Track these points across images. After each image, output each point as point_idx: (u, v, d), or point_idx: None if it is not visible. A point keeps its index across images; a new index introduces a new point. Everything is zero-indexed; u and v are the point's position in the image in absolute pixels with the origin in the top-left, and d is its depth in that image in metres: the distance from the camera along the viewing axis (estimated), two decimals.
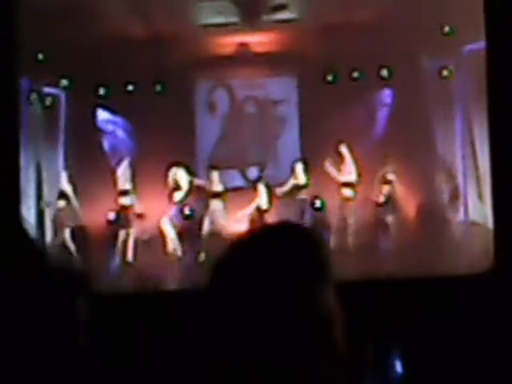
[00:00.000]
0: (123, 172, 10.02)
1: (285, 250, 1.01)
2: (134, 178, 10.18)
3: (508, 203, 3.97)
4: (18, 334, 1.28)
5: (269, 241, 1.03)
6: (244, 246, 1.04)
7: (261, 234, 1.06)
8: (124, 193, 9.99)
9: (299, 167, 10.30)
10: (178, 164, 10.22)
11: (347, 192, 10.12)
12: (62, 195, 9.89)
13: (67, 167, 11.20)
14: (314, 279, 1.00)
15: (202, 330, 1.01)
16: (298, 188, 10.26)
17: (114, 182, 10.03)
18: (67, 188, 9.94)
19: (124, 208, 10.00)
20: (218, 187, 10.30)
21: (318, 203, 10.51)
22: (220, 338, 1.00)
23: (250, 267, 1.00)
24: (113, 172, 11.26)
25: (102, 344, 1.76)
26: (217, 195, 10.23)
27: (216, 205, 10.09)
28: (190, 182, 10.29)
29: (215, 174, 10.37)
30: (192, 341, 1.03)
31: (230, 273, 1.02)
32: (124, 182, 10.01)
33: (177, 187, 10.21)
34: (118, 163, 11.53)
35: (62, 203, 9.88)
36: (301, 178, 10.26)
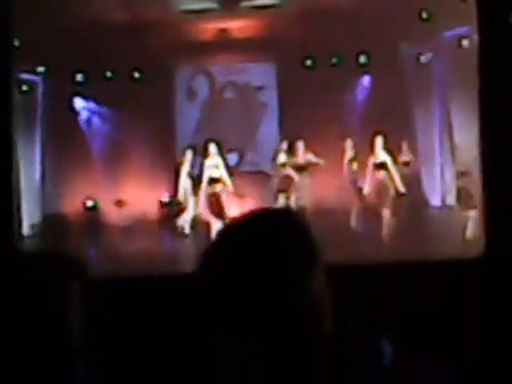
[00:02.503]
0: None
1: (274, 235, 1.04)
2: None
3: (500, 191, 4.08)
4: (13, 322, 1.29)
5: (258, 226, 1.06)
6: (234, 232, 1.07)
7: (250, 221, 1.08)
8: None
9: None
10: None
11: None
12: None
13: (44, 154, 11.09)
14: (303, 263, 1.03)
15: (194, 315, 1.04)
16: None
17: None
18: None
19: None
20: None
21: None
22: (212, 322, 1.02)
23: (240, 253, 1.02)
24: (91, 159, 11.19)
25: (96, 330, 1.79)
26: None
27: None
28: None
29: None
30: (184, 326, 1.06)
31: (220, 259, 1.04)
32: None
33: None
34: (97, 151, 11.47)
35: None
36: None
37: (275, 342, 1.00)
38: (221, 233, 1.08)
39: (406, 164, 10.57)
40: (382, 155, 9.01)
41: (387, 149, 9.11)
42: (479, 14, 4.18)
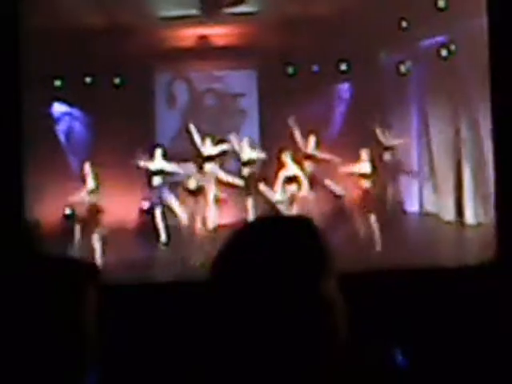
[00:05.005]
0: (88, 171, 9.77)
1: (286, 241, 1.04)
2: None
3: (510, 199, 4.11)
4: (29, 325, 1.28)
5: (270, 232, 1.06)
6: (245, 238, 1.07)
7: (261, 227, 1.08)
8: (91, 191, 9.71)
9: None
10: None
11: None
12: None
13: (22, 162, 10.91)
14: (316, 268, 1.03)
15: (205, 321, 1.04)
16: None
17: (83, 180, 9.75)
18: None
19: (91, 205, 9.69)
20: None
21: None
22: (223, 328, 1.02)
23: (253, 259, 1.03)
24: (69, 166, 11.07)
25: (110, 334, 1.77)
26: None
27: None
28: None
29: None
30: (194, 332, 1.06)
31: (232, 265, 1.04)
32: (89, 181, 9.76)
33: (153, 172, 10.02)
34: (76, 157, 11.36)
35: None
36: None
37: (287, 347, 1.00)
38: (233, 239, 1.08)
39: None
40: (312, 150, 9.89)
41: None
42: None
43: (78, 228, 10.90)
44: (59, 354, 1.28)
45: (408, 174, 11.36)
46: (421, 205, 11.32)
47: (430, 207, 10.99)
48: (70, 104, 11.24)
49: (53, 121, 11.34)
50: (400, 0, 8.94)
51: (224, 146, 10.18)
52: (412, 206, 11.35)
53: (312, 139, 10.06)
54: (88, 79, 10.57)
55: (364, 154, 9.55)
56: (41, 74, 10.12)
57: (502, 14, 4.28)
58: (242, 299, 1.01)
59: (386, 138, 10.54)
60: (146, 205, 11.05)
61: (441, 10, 8.87)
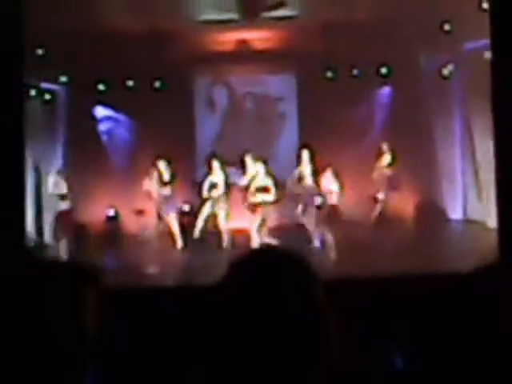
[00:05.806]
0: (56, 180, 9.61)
1: (284, 261, 1.18)
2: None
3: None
4: (28, 330, 1.30)
5: (269, 255, 1.21)
6: (250, 259, 1.20)
7: (261, 252, 1.24)
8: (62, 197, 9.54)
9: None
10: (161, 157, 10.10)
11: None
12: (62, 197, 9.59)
13: (66, 165, 11.16)
14: (310, 282, 1.15)
15: (210, 328, 1.10)
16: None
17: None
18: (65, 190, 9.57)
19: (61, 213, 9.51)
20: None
21: (318, 200, 10.49)
22: (229, 332, 1.08)
23: (258, 273, 1.15)
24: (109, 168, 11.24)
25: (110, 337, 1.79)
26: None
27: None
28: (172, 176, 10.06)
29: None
30: (198, 337, 1.09)
31: (241, 277, 1.15)
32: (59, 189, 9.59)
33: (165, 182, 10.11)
34: (118, 159, 11.58)
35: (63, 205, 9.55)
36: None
37: (284, 353, 1.06)
38: (235, 266, 1.20)
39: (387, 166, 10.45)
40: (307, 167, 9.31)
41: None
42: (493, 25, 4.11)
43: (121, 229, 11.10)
44: (59, 354, 1.30)
45: (451, 181, 11.13)
46: (464, 212, 11.07)
47: (474, 214, 10.72)
48: (113, 107, 11.46)
49: (96, 123, 11.59)
50: (443, 2, 8.76)
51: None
52: (455, 214, 11.12)
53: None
54: (130, 83, 10.75)
55: (331, 170, 9.27)
56: (85, 79, 10.37)
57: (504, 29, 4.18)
58: (249, 307, 1.09)
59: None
60: (185, 208, 11.12)
61: (485, 11, 8.65)
